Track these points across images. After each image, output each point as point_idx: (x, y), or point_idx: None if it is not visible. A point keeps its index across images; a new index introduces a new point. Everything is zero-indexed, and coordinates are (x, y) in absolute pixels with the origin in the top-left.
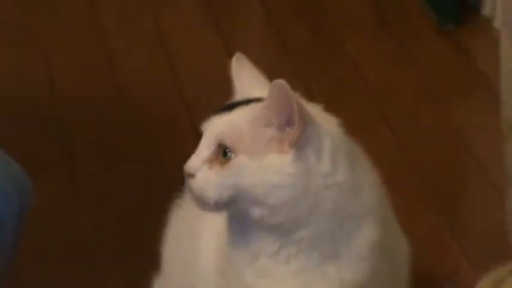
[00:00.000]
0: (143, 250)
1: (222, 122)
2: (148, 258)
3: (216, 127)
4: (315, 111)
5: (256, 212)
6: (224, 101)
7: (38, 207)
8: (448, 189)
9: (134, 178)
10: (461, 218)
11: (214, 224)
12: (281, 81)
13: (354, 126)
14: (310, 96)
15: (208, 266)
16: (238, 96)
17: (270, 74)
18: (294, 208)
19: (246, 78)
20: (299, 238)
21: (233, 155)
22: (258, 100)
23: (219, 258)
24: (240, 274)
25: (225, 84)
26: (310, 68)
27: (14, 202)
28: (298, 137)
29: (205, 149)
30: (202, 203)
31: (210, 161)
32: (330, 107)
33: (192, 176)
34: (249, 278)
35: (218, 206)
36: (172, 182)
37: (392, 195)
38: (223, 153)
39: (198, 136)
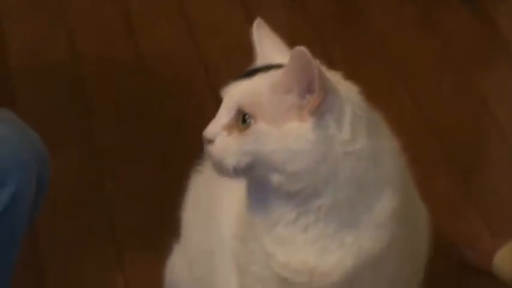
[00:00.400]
0: (163, 216)
1: (242, 87)
2: (168, 225)
3: (236, 93)
4: (335, 78)
5: (274, 178)
6: (243, 67)
7: (58, 173)
8: (469, 156)
9: (154, 144)
10: (481, 186)
11: (234, 190)
12: (302, 48)
13: (374, 94)
14: (332, 64)
15: (228, 232)
16: (259, 62)
17: (291, 41)
18: (313, 175)
19: (267, 44)
20: (317, 206)
21: (252, 121)
22: (278, 66)
23: (239, 224)
24: (259, 241)
25: (245, 51)
26: (331, 35)
27: (33, 170)
28: (319, 104)
29: (224, 114)
30: (220, 168)
31: (229, 127)
32: (351, 74)
33: (210, 142)
34: (268, 245)
35: (236, 172)
36: (192, 149)
37: (412, 163)
38: (242, 119)
39: (217, 102)
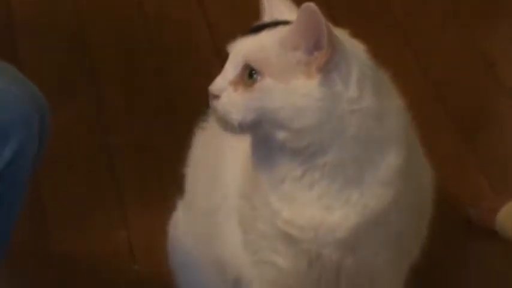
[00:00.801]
0: (166, 173)
1: (249, 43)
2: (172, 181)
3: (243, 48)
4: (343, 36)
5: (280, 135)
6: (248, 25)
7: (62, 128)
8: (473, 115)
9: (159, 99)
10: (485, 145)
11: (239, 147)
12: (311, 4)
13: (378, 55)
14: (333, 22)
15: (232, 189)
16: (266, 18)
17: (296, 2)
18: (318, 133)
19: (275, 0)
20: (323, 163)
21: (259, 77)
22: (286, 23)
23: (244, 181)
24: (264, 199)
25: (250, 9)
26: None
27: (35, 124)
28: (326, 61)
29: (230, 70)
30: (226, 124)
31: (236, 83)
32: (353, 32)
33: (216, 97)
34: (274, 202)
35: (242, 128)
36: (196, 105)
37: (416, 121)
38: (249, 75)
39: (222, 60)
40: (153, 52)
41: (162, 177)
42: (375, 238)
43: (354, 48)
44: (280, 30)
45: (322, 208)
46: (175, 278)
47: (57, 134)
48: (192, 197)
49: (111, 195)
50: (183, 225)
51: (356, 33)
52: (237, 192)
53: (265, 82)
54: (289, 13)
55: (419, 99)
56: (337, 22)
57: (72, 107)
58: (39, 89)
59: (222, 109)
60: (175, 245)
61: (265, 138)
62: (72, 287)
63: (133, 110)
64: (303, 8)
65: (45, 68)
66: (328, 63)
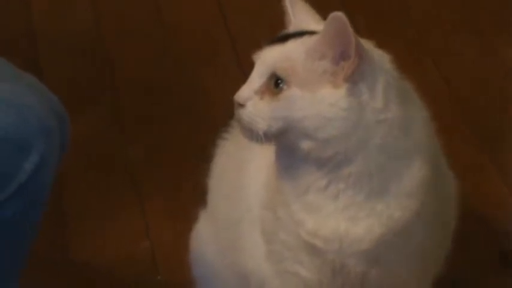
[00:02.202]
0: (188, 181)
1: (276, 52)
2: (194, 190)
3: (269, 57)
4: (368, 46)
5: (305, 144)
6: (268, 34)
7: (83, 133)
8: (493, 123)
9: (179, 108)
10: (506, 153)
11: (262, 157)
12: (339, 14)
13: (397, 62)
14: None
15: (255, 200)
16: (292, 28)
17: (314, 6)
18: (344, 142)
19: (300, 10)
20: (347, 173)
21: (285, 87)
22: (311, 33)
23: (267, 192)
24: (288, 209)
25: (270, 18)
26: (355, 2)
27: (56, 137)
28: (353, 71)
29: (256, 79)
30: (251, 133)
31: (262, 92)
32: (374, 41)
33: (242, 106)
34: (297, 213)
35: (267, 137)
36: (216, 115)
37: (437, 131)
38: (275, 84)
39: (241, 66)
40: (172, 60)
41: (183, 187)
42: (398, 249)
43: (380, 58)
44: (307, 40)
45: (347, 219)
46: None
47: (77, 144)
48: (214, 208)
49: (133, 205)
50: (206, 236)
51: (375, 40)
52: (260, 203)
53: (292, 91)
54: (314, 23)
55: (440, 109)
56: (356, 29)
57: (93, 117)
58: (60, 98)
59: (248, 118)
60: (197, 255)
61: (290, 147)
62: None
63: (154, 120)
64: (331, 18)
65: (65, 77)
66: (354, 73)
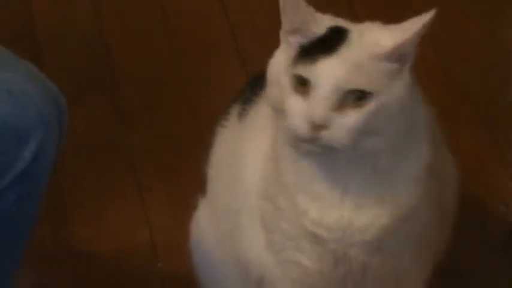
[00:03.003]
0: (188, 169)
1: (341, 66)
2: (193, 178)
3: (337, 73)
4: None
5: (372, 143)
6: (269, 28)
7: (84, 126)
8: (494, 110)
9: (178, 98)
10: (506, 137)
11: (258, 148)
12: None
13: None
14: (356, 20)
15: (253, 190)
16: (316, 25)
17: None
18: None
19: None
20: (370, 162)
21: (368, 97)
22: (344, 29)
23: (265, 182)
24: (292, 199)
25: (270, 11)
26: None
27: (55, 126)
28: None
29: (329, 96)
30: (330, 150)
31: (339, 107)
32: None
33: (322, 127)
34: (302, 203)
35: (348, 149)
36: (217, 105)
37: (436, 116)
38: (353, 97)
39: (241, 57)
40: (172, 51)
41: (183, 175)
42: (401, 236)
43: None
44: (373, 46)
45: (353, 207)
46: (198, 276)
47: (78, 134)
48: (214, 197)
49: (133, 193)
50: (205, 225)
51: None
52: (258, 193)
53: (377, 99)
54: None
55: (439, 92)
56: (356, 16)
57: (93, 107)
58: (60, 88)
59: (333, 137)
60: (197, 244)
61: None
62: (94, 286)
63: (153, 109)
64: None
65: (66, 68)
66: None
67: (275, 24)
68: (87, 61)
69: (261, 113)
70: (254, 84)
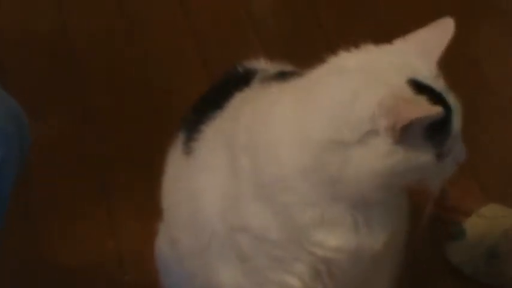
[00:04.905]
0: (156, 181)
1: None
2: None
3: None
4: None
5: None
6: (233, 37)
7: (49, 139)
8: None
9: (146, 108)
10: (473, 144)
11: (217, 187)
12: None
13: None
14: (322, 28)
15: (219, 224)
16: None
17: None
18: None
19: None
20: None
21: None
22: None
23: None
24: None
25: (234, 21)
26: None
27: (15, 142)
28: None
29: None
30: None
31: None
32: (340, 32)
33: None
34: (315, 236)
35: None
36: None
37: None
38: None
39: (207, 67)
40: (138, 63)
41: (151, 186)
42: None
43: None
44: None
45: (364, 234)
46: None
47: (45, 145)
48: (174, 237)
49: (100, 204)
50: (169, 259)
51: (342, 33)
52: (228, 226)
53: None
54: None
55: None
56: (323, 27)
57: (60, 117)
58: (25, 100)
59: None
60: (164, 271)
61: None
62: None
63: (121, 119)
64: None
65: (30, 79)
66: None
67: (239, 34)
68: (53, 71)
69: (209, 149)
70: (198, 111)
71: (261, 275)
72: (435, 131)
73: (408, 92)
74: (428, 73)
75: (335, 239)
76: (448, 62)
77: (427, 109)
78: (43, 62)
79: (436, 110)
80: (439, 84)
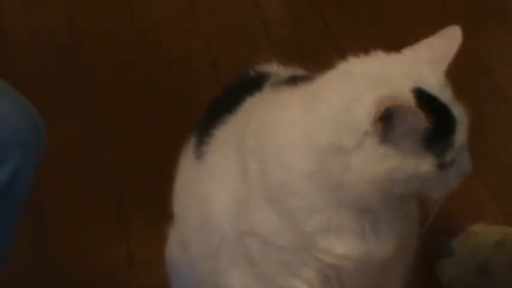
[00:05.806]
0: (167, 186)
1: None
2: (168, 198)
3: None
4: None
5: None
6: (243, 44)
7: (59, 141)
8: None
9: (159, 114)
10: (483, 150)
11: (227, 191)
12: None
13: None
14: (328, 30)
15: (229, 229)
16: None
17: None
18: None
19: None
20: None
21: None
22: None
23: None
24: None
25: (244, 28)
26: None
27: (32, 146)
28: None
29: None
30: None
31: None
32: (345, 34)
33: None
34: (322, 242)
35: None
36: (191, 120)
37: None
38: None
39: (216, 79)
40: (149, 68)
41: (162, 192)
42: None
43: None
44: None
45: (371, 241)
46: None
47: (57, 151)
48: (185, 241)
49: (112, 209)
50: (179, 262)
51: (352, 37)
52: (238, 230)
53: None
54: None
55: None
56: (328, 28)
57: (72, 124)
58: (37, 106)
59: None
60: (174, 275)
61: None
62: None
63: (133, 126)
64: None
65: (42, 85)
66: None
67: (249, 42)
68: (63, 78)
69: (220, 153)
70: (210, 115)
71: (270, 280)
72: (436, 141)
73: (409, 98)
74: (436, 83)
75: (342, 246)
76: (459, 68)
77: (402, 102)
78: (54, 70)
79: (415, 109)
80: (445, 95)
